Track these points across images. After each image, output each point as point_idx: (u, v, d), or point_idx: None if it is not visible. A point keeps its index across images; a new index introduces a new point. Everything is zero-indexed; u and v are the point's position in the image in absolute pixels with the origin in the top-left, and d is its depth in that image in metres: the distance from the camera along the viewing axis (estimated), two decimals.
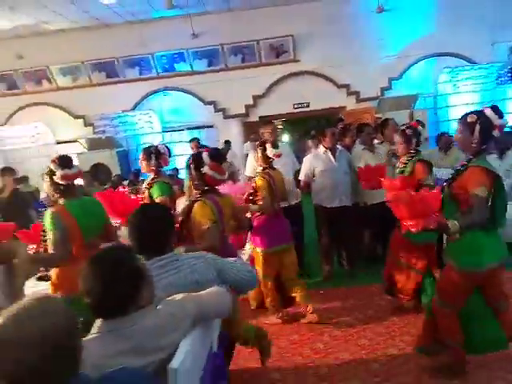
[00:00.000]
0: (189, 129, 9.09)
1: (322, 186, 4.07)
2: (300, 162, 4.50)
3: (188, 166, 2.66)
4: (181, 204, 3.06)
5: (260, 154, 3.51)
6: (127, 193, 3.45)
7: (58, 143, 8.94)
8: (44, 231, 2.55)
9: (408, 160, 3.19)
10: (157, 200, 3.13)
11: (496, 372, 2.50)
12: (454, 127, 6.96)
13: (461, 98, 8.45)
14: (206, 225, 2.40)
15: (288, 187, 4.15)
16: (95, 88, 8.80)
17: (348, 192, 4.10)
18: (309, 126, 9.76)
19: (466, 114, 2.26)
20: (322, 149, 4.15)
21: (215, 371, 1.68)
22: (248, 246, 3.80)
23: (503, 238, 2.37)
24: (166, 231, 1.76)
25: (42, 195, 5.75)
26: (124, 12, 7.95)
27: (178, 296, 1.47)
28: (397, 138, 3.29)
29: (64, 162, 2.52)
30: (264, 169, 3.50)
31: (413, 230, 2.07)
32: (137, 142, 9.03)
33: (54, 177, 2.50)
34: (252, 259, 3.57)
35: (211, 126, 9.11)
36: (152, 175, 3.31)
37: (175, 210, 3.24)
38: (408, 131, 3.20)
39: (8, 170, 5.00)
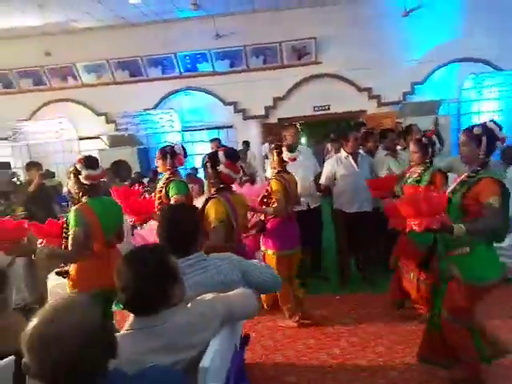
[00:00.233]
0: (208, 129, 9.17)
1: (343, 191, 4.06)
2: (319, 165, 4.50)
3: (204, 165, 2.74)
4: (198, 203, 3.11)
5: (275, 157, 3.52)
6: (143, 191, 3.51)
7: (81, 139, 9.12)
8: (66, 227, 2.61)
9: (424, 170, 3.18)
10: (173, 198, 3.17)
11: None
12: None
13: (485, 104, 8.30)
14: (212, 223, 2.45)
15: (308, 190, 4.17)
16: (118, 86, 8.95)
17: (369, 197, 4.07)
18: (328, 129, 9.72)
19: (471, 127, 2.29)
20: (343, 153, 4.13)
21: (238, 370, 1.71)
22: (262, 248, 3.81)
23: None
24: (195, 232, 1.79)
25: (64, 189, 5.89)
26: (149, 12, 8.07)
27: (208, 296, 1.50)
28: (412, 147, 3.26)
29: (90, 162, 2.63)
30: (278, 172, 3.52)
31: (416, 228, 2.08)
32: (157, 141, 9.14)
33: (79, 176, 2.60)
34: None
35: (230, 127, 9.17)
36: (167, 174, 3.36)
37: None
38: (424, 140, 3.18)
39: (34, 165, 5.14)
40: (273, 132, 8.99)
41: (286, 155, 3.51)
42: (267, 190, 3.44)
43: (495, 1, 7.93)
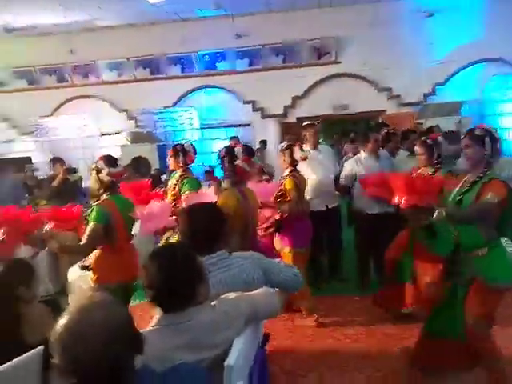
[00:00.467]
0: (226, 126, 9.21)
1: (363, 192, 4.03)
2: (339, 165, 4.48)
3: (221, 159, 2.84)
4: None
5: (288, 157, 3.58)
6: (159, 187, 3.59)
7: (102, 135, 9.26)
8: (86, 222, 2.69)
9: (434, 172, 3.17)
10: (185, 194, 3.24)
11: None
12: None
13: (508, 106, 8.12)
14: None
15: (328, 189, 4.15)
16: (139, 83, 9.06)
17: None
18: (345, 128, 9.66)
19: (473, 129, 2.34)
20: (363, 154, 4.10)
21: (260, 368, 1.72)
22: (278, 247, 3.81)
23: None
24: (219, 230, 1.80)
25: (84, 184, 5.99)
26: (169, 10, 8.14)
27: (232, 295, 1.51)
28: (418, 149, 3.29)
29: (110, 161, 2.74)
30: (291, 171, 3.57)
31: (402, 204, 2.18)
32: (175, 138, 9.21)
33: (100, 174, 2.70)
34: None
35: (248, 125, 9.18)
36: (180, 172, 3.44)
37: None
38: (429, 141, 3.22)
39: (58, 160, 5.27)
40: (291, 131, 8.97)
41: (297, 154, 3.57)
42: (281, 189, 3.49)
43: None
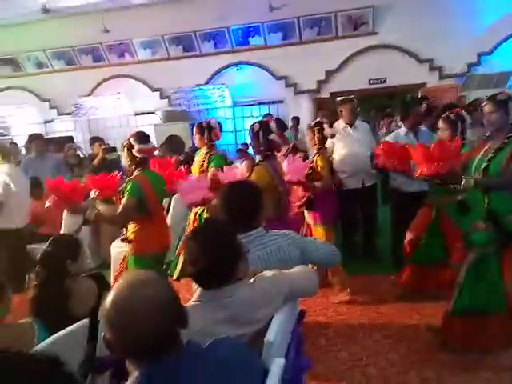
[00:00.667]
0: (258, 104, 9.11)
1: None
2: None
3: (255, 133, 2.89)
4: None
5: (317, 134, 3.60)
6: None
7: (136, 114, 9.42)
8: (122, 195, 2.81)
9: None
10: (211, 170, 3.35)
11: None
12: None
13: None
14: None
15: (364, 166, 4.05)
16: (172, 62, 9.06)
17: None
18: (381, 103, 9.31)
19: (495, 94, 2.36)
20: (403, 129, 3.95)
21: (297, 344, 1.75)
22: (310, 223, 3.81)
23: None
24: (256, 207, 1.81)
25: (123, 163, 6.16)
26: None
27: (270, 273, 1.52)
28: (441, 124, 3.23)
29: (141, 137, 2.83)
30: (319, 149, 3.61)
31: (425, 172, 2.22)
32: (208, 116, 9.23)
33: (132, 150, 2.80)
34: None
35: (281, 102, 9.03)
36: (205, 148, 3.50)
37: None
38: (452, 116, 3.16)
39: (97, 140, 5.43)
40: (324, 107, 8.75)
41: (327, 131, 3.63)
42: (312, 167, 3.50)
43: None
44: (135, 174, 2.85)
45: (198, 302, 1.38)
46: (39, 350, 1.02)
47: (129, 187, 2.73)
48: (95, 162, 4.94)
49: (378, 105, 8.91)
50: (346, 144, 4.02)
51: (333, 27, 8.26)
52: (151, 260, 2.86)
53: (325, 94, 8.81)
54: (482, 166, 2.31)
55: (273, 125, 2.97)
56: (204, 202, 2.94)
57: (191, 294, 1.53)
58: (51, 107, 9.99)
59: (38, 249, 4.08)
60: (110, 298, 0.99)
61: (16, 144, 7.23)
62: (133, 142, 2.80)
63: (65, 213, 4.57)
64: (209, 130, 3.48)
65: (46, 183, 2.89)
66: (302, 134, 7.94)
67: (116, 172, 3.38)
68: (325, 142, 3.66)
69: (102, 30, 8.48)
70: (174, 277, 3.69)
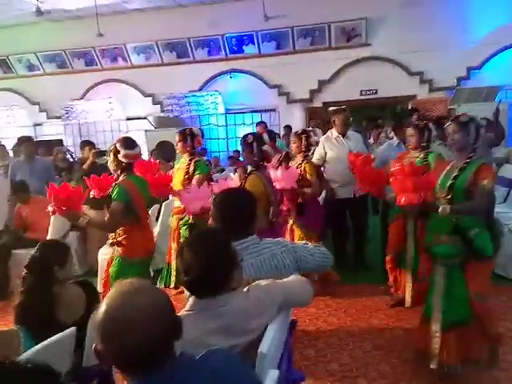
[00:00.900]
0: (251, 112, 9.14)
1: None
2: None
3: (250, 144, 2.96)
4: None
5: (304, 141, 3.76)
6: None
7: (128, 119, 9.37)
8: (110, 200, 2.79)
9: (425, 155, 3.36)
10: (196, 177, 3.43)
11: None
12: None
13: None
14: None
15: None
16: (165, 67, 9.06)
17: None
18: (372, 114, 9.41)
19: (458, 116, 2.51)
20: (395, 140, 4.00)
21: (289, 354, 1.73)
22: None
23: None
24: (250, 215, 1.80)
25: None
26: None
27: (264, 282, 1.50)
28: (409, 130, 3.46)
29: (127, 142, 2.84)
30: (306, 156, 3.80)
31: (402, 203, 2.36)
32: (200, 123, 9.23)
33: (118, 155, 2.80)
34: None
35: (273, 110, 9.07)
36: (188, 155, 3.56)
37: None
38: (420, 123, 3.45)
39: (88, 143, 5.36)
40: (316, 116, 8.82)
41: (312, 139, 3.84)
42: (300, 174, 3.64)
43: None
44: (121, 178, 2.86)
45: (190, 311, 1.35)
46: (25, 359, 0.97)
47: (115, 192, 2.74)
48: (85, 165, 4.88)
49: (369, 115, 9.02)
50: (338, 154, 4.03)
51: (326, 38, 8.36)
52: (138, 264, 2.88)
53: (317, 104, 8.89)
54: (447, 184, 2.46)
55: (266, 136, 3.10)
56: (203, 211, 2.93)
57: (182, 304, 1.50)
58: (41, 110, 9.89)
59: (25, 254, 4.01)
60: (102, 307, 0.95)
61: (4, 146, 7.11)
62: (119, 147, 2.80)
63: (52, 217, 4.49)
64: (191, 138, 3.53)
65: (48, 191, 2.84)
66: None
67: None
68: (310, 150, 3.85)
69: (96, 34, 8.44)
70: (172, 285, 3.68)
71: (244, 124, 9.22)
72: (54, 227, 4.47)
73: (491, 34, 7.80)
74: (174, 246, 3.68)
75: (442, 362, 2.45)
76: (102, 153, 5.14)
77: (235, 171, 6.07)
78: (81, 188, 2.86)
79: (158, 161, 4.04)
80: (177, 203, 3.67)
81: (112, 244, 2.96)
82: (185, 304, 1.47)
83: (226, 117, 9.21)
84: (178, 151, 3.71)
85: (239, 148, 8.22)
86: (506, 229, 4.05)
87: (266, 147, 2.99)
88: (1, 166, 6.07)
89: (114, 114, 9.14)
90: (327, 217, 4.21)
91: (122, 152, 2.78)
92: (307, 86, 8.78)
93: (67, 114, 9.20)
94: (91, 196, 2.87)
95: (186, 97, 8.90)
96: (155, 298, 0.99)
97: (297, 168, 3.71)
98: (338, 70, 8.62)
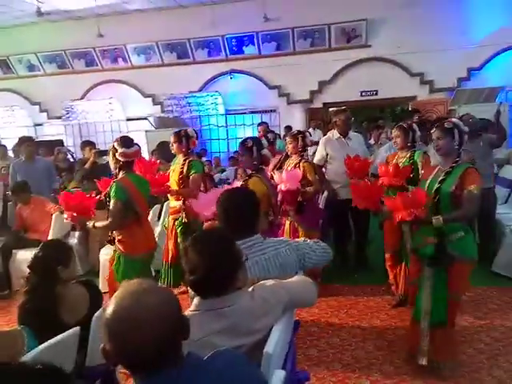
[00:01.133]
0: (251, 112, 9.14)
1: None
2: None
3: (249, 148, 3.02)
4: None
5: (301, 142, 3.83)
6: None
7: (128, 120, 9.36)
8: (108, 199, 2.83)
9: (411, 154, 3.53)
10: (192, 176, 3.50)
11: None
12: None
13: None
14: None
15: None
16: (166, 68, 9.06)
17: None
18: (372, 115, 9.43)
19: (442, 123, 2.61)
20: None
21: (293, 355, 1.72)
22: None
23: None
24: (255, 214, 1.81)
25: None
26: None
27: (269, 282, 1.50)
28: (394, 132, 3.64)
29: (125, 141, 2.89)
30: (302, 155, 3.88)
31: (397, 219, 2.47)
32: (200, 123, 9.23)
33: (116, 154, 2.85)
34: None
35: (274, 111, 9.08)
36: (182, 156, 3.60)
37: (206, 185, 3.84)
38: (405, 125, 3.62)
39: (89, 144, 5.36)
40: (316, 117, 8.84)
41: (309, 140, 3.93)
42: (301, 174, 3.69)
43: None
44: (119, 177, 2.90)
45: (196, 311, 1.34)
46: (33, 360, 0.97)
47: (113, 190, 2.78)
48: (87, 165, 4.88)
49: (369, 116, 9.03)
50: (339, 154, 4.03)
51: (326, 39, 8.38)
52: (139, 262, 2.94)
53: (317, 105, 8.90)
54: (434, 188, 2.55)
55: (264, 140, 3.22)
56: (215, 216, 2.95)
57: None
58: (41, 110, 9.89)
59: (26, 254, 4.00)
60: (110, 307, 0.95)
61: (5, 147, 7.10)
62: (116, 146, 2.85)
63: (53, 218, 4.49)
64: (187, 139, 3.57)
65: (60, 198, 2.94)
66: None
67: (106, 178, 3.35)
68: (306, 150, 3.94)
69: (97, 35, 8.45)
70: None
71: (244, 125, 9.23)
72: (56, 227, 4.46)
73: (492, 35, 7.82)
74: (170, 245, 3.68)
75: (431, 360, 2.56)
76: (103, 153, 5.15)
77: (236, 171, 6.07)
78: (92, 194, 2.94)
79: (158, 161, 4.07)
80: (173, 203, 3.69)
81: (108, 241, 3.01)
82: (188, 304, 1.47)
83: (226, 117, 9.22)
84: (173, 152, 3.74)
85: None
86: (507, 230, 4.06)
87: (265, 151, 3.07)
88: (2, 167, 6.07)
89: (114, 114, 9.14)
90: (329, 218, 4.22)
91: (120, 150, 2.83)
92: (307, 87, 8.79)
93: (67, 114, 9.20)
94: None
95: (186, 97, 8.91)
96: (163, 298, 0.98)
97: (294, 168, 3.78)
98: (338, 70, 8.63)
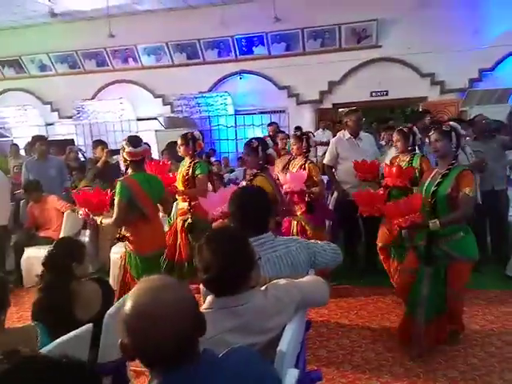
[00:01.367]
0: (261, 113, 9.14)
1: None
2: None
3: (255, 148, 3.08)
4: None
5: (305, 143, 3.84)
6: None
7: (138, 120, 9.42)
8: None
9: (411, 157, 3.60)
10: (198, 176, 3.55)
11: None
12: None
13: None
14: None
15: None
16: (176, 68, 9.10)
17: None
18: (382, 115, 9.36)
19: (440, 125, 2.71)
20: None
21: (304, 354, 1.72)
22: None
23: None
24: (268, 212, 1.84)
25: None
26: None
27: (282, 281, 1.50)
28: (395, 136, 3.68)
29: (132, 140, 2.95)
30: (307, 156, 3.90)
31: (399, 226, 2.56)
32: (210, 124, 9.25)
33: (124, 152, 2.92)
34: None
35: (283, 111, 9.07)
36: (189, 158, 3.66)
37: (213, 185, 3.89)
38: (405, 129, 3.63)
39: (101, 143, 5.41)
40: (326, 117, 8.80)
41: (313, 141, 3.99)
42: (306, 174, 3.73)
43: None
44: (126, 175, 2.97)
45: (209, 309, 1.35)
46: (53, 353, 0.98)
47: (117, 189, 2.83)
48: (99, 164, 4.93)
49: (378, 117, 8.97)
50: (350, 155, 4.02)
51: (336, 39, 8.34)
52: (149, 259, 2.97)
53: (327, 105, 8.87)
54: (431, 190, 2.62)
55: (269, 140, 3.30)
56: (223, 215, 2.96)
57: None
58: (53, 110, 9.99)
59: (37, 251, 4.05)
60: (129, 303, 0.96)
61: (17, 145, 7.20)
62: (124, 145, 2.92)
63: (65, 216, 4.54)
64: (193, 141, 3.62)
65: (75, 197, 3.03)
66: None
67: (118, 176, 3.41)
68: (310, 151, 3.98)
69: (108, 35, 8.51)
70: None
71: (253, 125, 9.22)
72: (67, 226, 4.51)
73: (504, 36, 7.71)
74: (180, 244, 3.68)
75: (422, 348, 2.71)
76: (115, 152, 5.20)
77: (245, 172, 6.08)
78: (107, 192, 3.01)
79: (169, 162, 4.11)
80: (181, 205, 3.72)
81: (117, 239, 3.07)
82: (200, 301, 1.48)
83: (235, 118, 9.22)
84: (180, 154, 3.79)
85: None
86: None
87: (270, 151, 3.12)
88: (14, 166, 6.15)
89: (124, 114, 9.20)
90: (339, 219, 4.21)
91: (127, 149, 2.89)
92: (317, 88, 8.76)
93: (78, 114, 9.28)
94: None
95: (195, 98, 8.93)
96: (181, 295, 0.99)
97: (300, 169, 3.81)
98: (348, 71, 8.58)
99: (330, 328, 3.28)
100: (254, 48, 8.75)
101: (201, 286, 1.52)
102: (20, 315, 3.75)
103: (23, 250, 4.55)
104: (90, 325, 1.79)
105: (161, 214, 3.62)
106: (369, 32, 8.20)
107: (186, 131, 8.79)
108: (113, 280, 3.73)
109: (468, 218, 2.64)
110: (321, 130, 8.21)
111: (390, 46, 8.24)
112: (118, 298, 2.32)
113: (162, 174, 3.48)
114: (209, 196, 3.20)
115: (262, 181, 2.97)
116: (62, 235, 4.29)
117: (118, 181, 2.90)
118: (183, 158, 5.81)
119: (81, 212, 2.98)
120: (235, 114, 9.16)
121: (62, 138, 9.23)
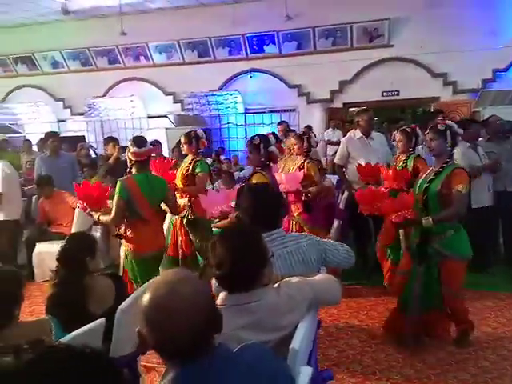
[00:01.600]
0: (271, 111, 9.13)
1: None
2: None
3: (257, 145, 3.04)
4: None
5: (306, 143, 3.84)
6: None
7: (149, 117, 9.47)
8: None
9: (406, 158, 3.62)
10: (198, 175, 3.55)
11: None
12: None
13: None
14: None
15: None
16: (187, 66, 9.13)
17: None
18: (393, 115, 9.28)
19: (436, 124, 2.74)
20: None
21: (315, 353, 1.72)
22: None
23: None
24: (278, 208, 1.84)
25: None
26: None
27: (294, 279, 1.50)
28: (397, 136, 3.69)
29: (136, 141, 2.95)
30: (307, 156, 3.86)
31: (393, 222, 2.61)
32: (220, 122, 9.27)
33: (128, 152, 2.95)
34: None
35: (293, 110, 9.04)
36: (191, 156, 3.65)
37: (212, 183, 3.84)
38: (408, 129, 3.63)
39: (112, 140, 5.45)
40: (336, 116, 8.76)
41: (313, 141, 3.95)
42: (304, 174, 3.72)
43: None
44: (128, 175, 2.98)
45: (222, 305, 1.35)
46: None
47: (117, 188, 2.85)
48: (111, 160, 4.97)
49: (389, 117, 8.90)
50: (361, 154, 4.00)
51: (348, 38, 8.30)
52: (148, 259, 2.96)
53: (337, 104, 8.82)
54: (423, 187, 2.66)
55: (272, 138, 3.22)
56: (222, 214, 2.97)
57: None
58: (65, 107, 10.09)
59: (49, 247, 4.09)
60: (148, 294, 0.98)
61: (30, 141, 7.28)
62: (129, 145, 2.93)
63: (76, 212, 4.58)
64: (196, 140, 3.62)
65: (76, 189, 3.02)
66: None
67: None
68: (311, 150, 3.97)
69: (120, 33, 8.56)
70: None
71: (263, 124, 9.21)
72: (78, 222, 4.55)
73: None
74: (180, 241, 3.67)
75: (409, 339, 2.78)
76: (126, 149, 5.23)
77: (254, 169, 6.07)
78: (108, 186, 3.02)
79: (174, 160, 4.14)
80: (179, 202, 3.71)
81: (116, 236, 3.09)
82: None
83: (245, 116, 9.23)
84: (183, 152, 3.80)
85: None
86: None
87: (272, 148, 3.09)
88: (27, 161, 6.22)
89: (135, 111, 9.25)
90: (349, 218, 4.19)
91: (131, 150, 2.91)
92: (328, 87, 8.72)
93: (90, 110, 9.36)
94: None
95: (206, 96, 8.96)
96: (198, 289, 1.00)
97: (299, 168, 3.80)
98: (360, 70, 8.53)
99: (339, 328, 3.27)
100: (264, 47, 8.74)
101: (213, 282, 1.53)
102: (32, 309, 3.80)
103: (35, 245, 4.61)
104: (103, 319, 1.81)
105: (169, 215, 3.64)
106: (381, 31, 8.15)
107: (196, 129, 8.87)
108: (123, 276, 3.75)
109: (461, 216, 2.66)
110: (331, 129, 8.17)
111: (402, 46, 8.17)
112: None
113: (165, 172, 3.50)
114: (209, 193, 3.20)
115: (259, 177, 2.95)
116: (73, 231, 4.33)
117: (118, 180, 2.91)
118: None
119: (78, 204, 3.01)
120: (245, 113, 9.16)
121: (74, 134, 9.32)
